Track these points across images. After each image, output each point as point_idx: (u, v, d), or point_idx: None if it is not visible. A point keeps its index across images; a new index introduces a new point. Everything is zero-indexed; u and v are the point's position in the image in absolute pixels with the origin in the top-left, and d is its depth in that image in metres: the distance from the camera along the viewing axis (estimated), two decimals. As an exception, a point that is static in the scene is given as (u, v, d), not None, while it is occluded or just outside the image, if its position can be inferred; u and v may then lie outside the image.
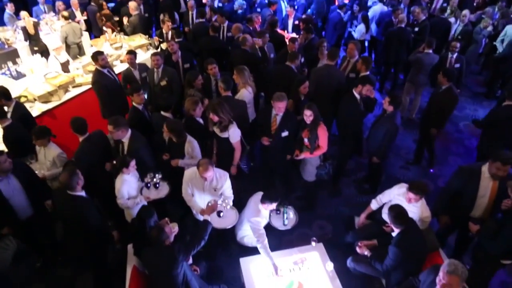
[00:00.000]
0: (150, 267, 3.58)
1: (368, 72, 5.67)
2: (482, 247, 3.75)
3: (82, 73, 6.74)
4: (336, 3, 10.08)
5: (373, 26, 9.12)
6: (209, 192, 4.18)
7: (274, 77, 5.95)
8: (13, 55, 7.46)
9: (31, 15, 8.74)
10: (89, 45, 8.75)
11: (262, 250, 3.95)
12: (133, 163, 4.08)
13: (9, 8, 9.01)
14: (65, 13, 8.22)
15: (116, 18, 9.13)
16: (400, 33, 7.70)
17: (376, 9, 9.26)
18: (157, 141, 4.85)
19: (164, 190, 4.48)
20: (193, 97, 4.95)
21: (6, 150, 4.63)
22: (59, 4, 8.99)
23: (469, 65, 8.70)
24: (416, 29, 8.24)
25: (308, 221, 5.24)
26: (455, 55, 6.71)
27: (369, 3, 10.15)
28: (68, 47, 8.33)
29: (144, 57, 7.56)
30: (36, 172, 4.46)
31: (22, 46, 8.11)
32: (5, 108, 4.87)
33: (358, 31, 8.98)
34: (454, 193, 4.11)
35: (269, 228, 4.31)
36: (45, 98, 5.90)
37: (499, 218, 3.69)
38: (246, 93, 5.32)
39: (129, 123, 5.38)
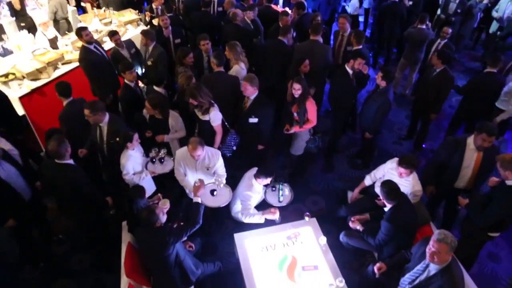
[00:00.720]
0: (142, 247, 3.59)
1: (360, 46, 5.59)
2: (471, 220, 3.83)
3: (71, 50, 6.57)
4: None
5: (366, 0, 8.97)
6: (201, 171, 4.17)
7: (266, 52, 5.86)
8: (-1, 31, 7.26)
9: (16, -11, 8.42)
10: (78, 21, 8.51)
11: (247, 219, 4.15)
12: (136, 136, 4.06)
13: (-7, -17, 8.67)
14: (52, -13, 7.93)
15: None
16: (394, 7, 7.55)
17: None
18: (137, 120, 4.80)
19: (169, 165, 4.49)
20: (186, 72, 4.90)
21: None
22: (45, -22, 8.66)
23: (463, 39, 8.65)
24: (410, 2, 8.10)
25: (301, 196, 5.29)
26: (443, 42, 6.36)
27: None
28: (57, 23, 8.10)
29: (134, 32, 7.39)
30: None
31: (8, 21, 7.89)
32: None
33: (352, 5, 8.88)
34: (440, 164, 4.23)
35: (264, 204, 4.36)
36: (34, 75, 5.76)
37: (487, 192, 3.77)
38: (239, 69, 5.26)
39: (121, 100, 5.33)
